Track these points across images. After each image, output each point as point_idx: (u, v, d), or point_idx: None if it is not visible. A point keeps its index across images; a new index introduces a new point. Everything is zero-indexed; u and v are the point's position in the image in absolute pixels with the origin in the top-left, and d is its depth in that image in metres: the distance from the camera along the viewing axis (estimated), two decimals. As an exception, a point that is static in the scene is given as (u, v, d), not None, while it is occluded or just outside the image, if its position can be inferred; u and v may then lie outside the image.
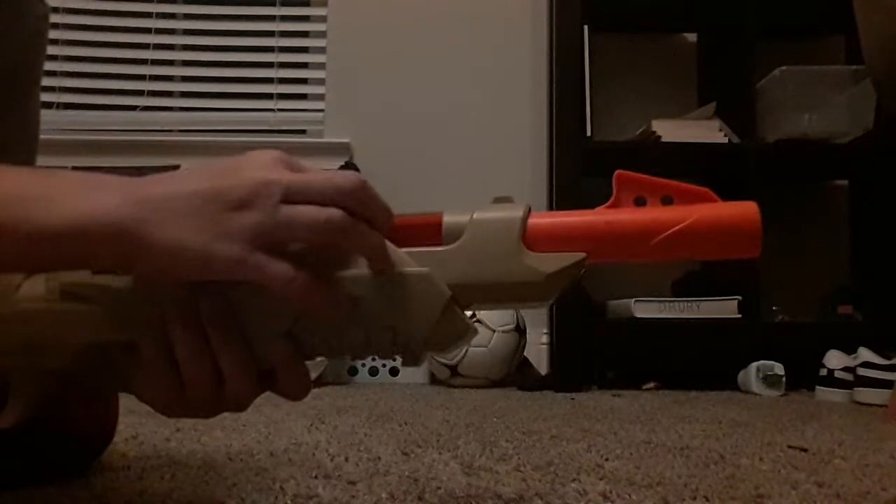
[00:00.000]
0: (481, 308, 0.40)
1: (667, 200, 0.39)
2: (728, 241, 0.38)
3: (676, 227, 0.38)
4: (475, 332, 0.40)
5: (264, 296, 0.38)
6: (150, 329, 0.39)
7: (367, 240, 0.38)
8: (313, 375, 1.95)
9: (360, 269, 0.39)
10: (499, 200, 0.40)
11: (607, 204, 0.40)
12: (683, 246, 0.38)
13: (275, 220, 0.37)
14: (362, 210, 0.38)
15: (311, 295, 0.37)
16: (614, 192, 0.40)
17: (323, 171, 0.39)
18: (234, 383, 0.39)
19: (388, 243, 0.39)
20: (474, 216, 0.39)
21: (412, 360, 0.40)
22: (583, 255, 0.39)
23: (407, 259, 0.39)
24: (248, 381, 0.39)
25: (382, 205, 0.40)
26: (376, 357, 1.98)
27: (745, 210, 0.38)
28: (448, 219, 0.40)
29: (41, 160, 0.70)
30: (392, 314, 0.39)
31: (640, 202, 0.39)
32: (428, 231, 0.41)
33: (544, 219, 0.40)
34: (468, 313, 0.41)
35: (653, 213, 0.38)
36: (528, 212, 0.40)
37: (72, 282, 0.41)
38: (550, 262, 0.38)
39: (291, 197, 0.37)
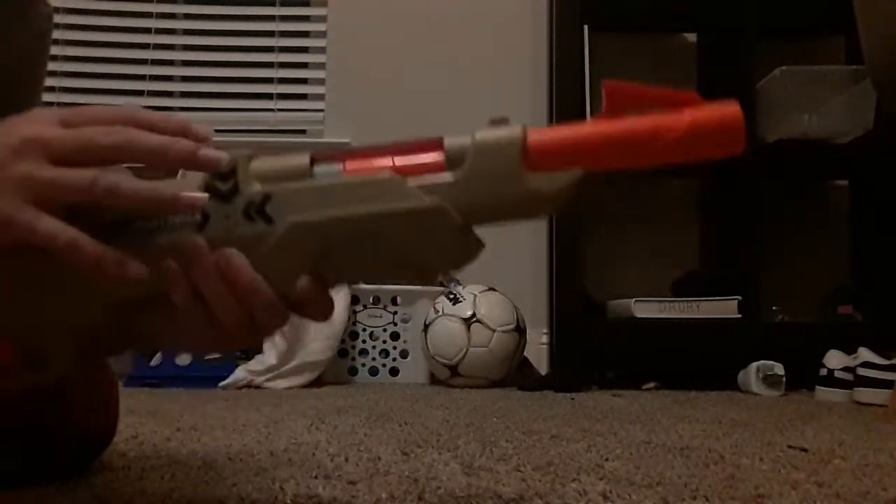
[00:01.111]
0: (487, 225, 0.41)
1: (657, 106, 0.40)
2: (717, 141, 0.40)
3: (673, 133, 0.39)
4: (484, 246, 0.41)
5: (283, 241, 0.40)
6: (177, 280, 0.40)
7: (140, 195, 0.39)
8: (313, 376, 1.94)
9: (376, 206, 0.40)
10: (496, 121, 0.41)
11: (601, 114, 0.41)
12: (679, 149, 0.39)
13: (40, 177, 0.37)
14: (149, 128, 0.40)
15: (80, 254, 0.38)
16: (605, 101, 0.41)
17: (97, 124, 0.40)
18: (267, 323, 0.41)
19: (399, 178, 0.40)
20: (476, 137, 0.40)
21: (430, 280, 0.43)
22: (580, 172, 0.40)
23: (419, 192, 0.40)
24: (280, 319, 0.41)
25: (163, 118, 0.41)
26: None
27: (731, 109, 0.40)
28: (449, 143, 0.41)
29: (41, 160, 0.70)
30: (410, 246, 0.40)
31: (631, 111, 0.40)
32: (430, 155, 0.42)
33: (543, 135, 0.41)
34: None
35: (648, 121, 0.40)
36: (526, 130, 0.40)
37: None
38: (552, 180, 0.39)
39: (57, 154, 0.38)
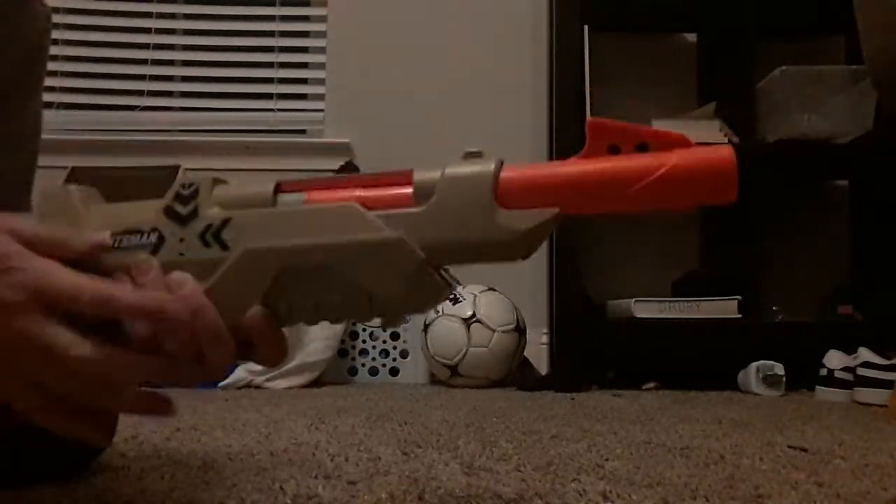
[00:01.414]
0: (454, 265, 0.39)
1: (642, 147, 0.37)
2: (705, 187, 0.37)
3: (654, 175, 0.36)
4: (451, 289, 0.40)
5: (236, 267, 0.38)
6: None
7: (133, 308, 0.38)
8: (313, 376, 1.94)
9: (334, 235, 0.38)
10: (469, 155, 0.39)
11: (580, 154, 0.39)
12: (661, 194, 0.37)
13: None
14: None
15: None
16: (587, 140, 0.38)
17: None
18: (212, 355, 0.39)
19: (360, 207, 0.38)
20: (445, 172, 0.39)
21: (391, 322, 0.40)
22: (556, 210, 0.38)
23: (378, 224, 0.38)
24: (225, 352, 0.39)
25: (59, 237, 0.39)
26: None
27: (722, 153, 0.37)
28: (419, 176, 0.40)
29: (41, 160, 0.70)
30: (367, 279, 0.38)
31: (614, 150, 0.38)
32: (398, 188, 0.40)
33: (516, 172, 0.39)
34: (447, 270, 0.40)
35: (628, 162, 0.37)
36: (500, 166, 0.39)
37: None
38: (524, 218, 0.37)
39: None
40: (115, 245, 0.40)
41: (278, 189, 0.41)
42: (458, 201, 0.38)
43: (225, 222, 0.40)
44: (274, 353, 0.41)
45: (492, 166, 0.38)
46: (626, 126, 0.38)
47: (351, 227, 0.38)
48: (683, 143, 0.37)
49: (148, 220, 0.41)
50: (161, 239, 0.40)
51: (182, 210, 0.40)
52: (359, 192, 0.40)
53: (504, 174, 0.39)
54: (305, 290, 0.39)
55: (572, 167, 0.38)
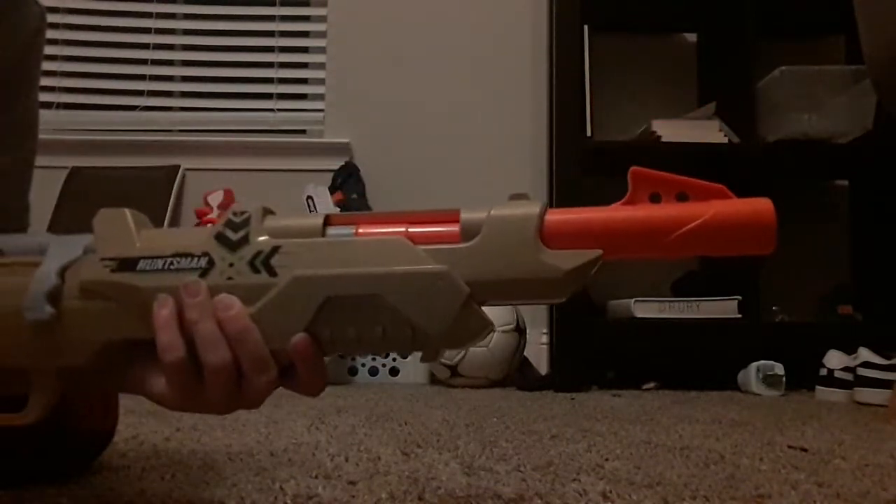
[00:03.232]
0: (499, 304, 0.40)
1: (682, 197, 0.39)
2: (743, 238, 0.38)
3: (693, 224, 0.38)
4: (493, 328, 0.40)
5: (283, 294, 0.39)
6: (166, 323, 0.40)
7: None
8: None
9: (380, 266, 0.39)
10: (515, 197, 0.40)
11: (623, 201, 0.40)
12: (699, 242, 0.38)
13: None
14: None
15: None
16: (630, 188, 0.40)
17: None
18: (254, 379, 0.40)
19: (407, 242, 0.40)
20: (491, 213, 0.40)
21: (430, 357, 0.41)
22: (599, 251, 0.39)
23: (425, 257, 0.39)
24: (267, 377, 0.40)
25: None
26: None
27: (760, 206, 0.38)
28: (465, 215, 0.40)
29: (41, 160, 0.70)
30: (410, 311, 0.39)
31: (655, 199, 0.39)
32: (445, 226, 0.41)
33: (561, 215, 0.40)
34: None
35: (669, 210, 0.39)
36: (545, 209, 0.40)
37: (91, 279, 0.42)
38: (567, 258, 0.38)
39: None
40: (166, 267, 0.41)
41: (328, 222, 0.42)
42: (503, 239, 0.39)
43: (275, 249, 0.41)
44: (314, 382, 0.41)
45: (537, 208, 0.39)
46: (667, 176, 0.39)
47: (398, 258, 0.39)
48: (722, 194, 0.39)
49: (198, 244, 0.42)
50: (211, 263, 0.41)
51: (233, 236, 0.41)
52: (406, 228, 0.41)
53: (549, 216, 0.40)
54: (349, 319, 0.40)
55: (615, 213, 0.40)
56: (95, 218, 0.43)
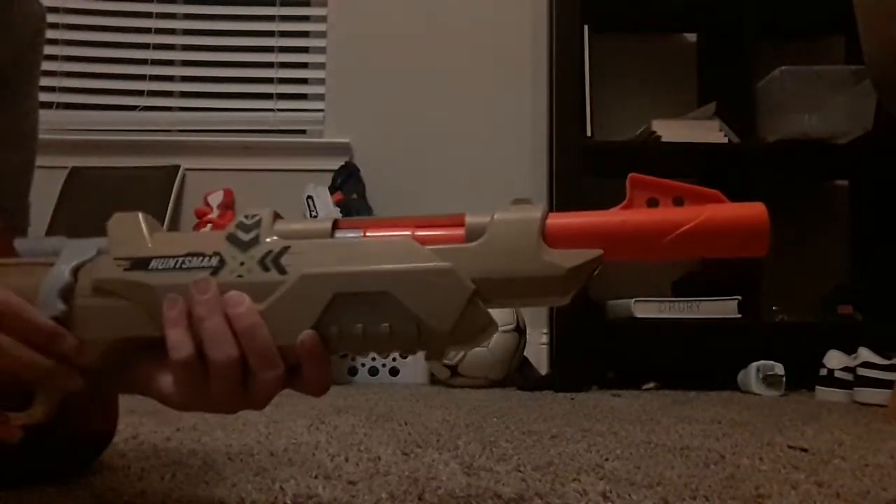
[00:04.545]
0: (503, 305, 0.41)
1: (678, 201, 0.40)
2: (737, 240, 0.39)
3: (688, 226, 0.39)
4: (497, 327, 0.41)
5: (292, 291, 0.40)
6: (176, 321, 0.41)
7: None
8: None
9: (387, 264, 0.40)
10: (518, 202, 0.42)
11: (621, 205, 0.41)
12: (694, 244, 0.39)
13: None
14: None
15: None
16: (628, 193, 0.41)
17: None
18: (261, 375, 0.40)
19: (414, 241, 0.41)
20: (495, 216, 0.41)
21: (436, 355, 0.41)
22: (600, 251, 0.40)
23: (431, 255, 0.40)
24: (274, 374, 0.40)
25: (34, 324, 0.42)
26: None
27: (754, 210, 0.39)
28: (470, 219, 0.42)
29: (41, 160, 0.70)
30: (417, 308, 0.40)
31: (652, 203, 0.41)
32: (451, 229, 0.42)
33: (562, 219, 0.41)
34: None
35: (665, 213, 0.40)
36: (547, 212, 0.41)
37: (104, 278, 0.42)
38: (569, 257, 0.40)
39: None
40: (178, 266, 0.42)
41: (336, 226, 0.43)
42: (507, 239, 0.40)
43: (285, 249, 0.42)
44: (319, 381, 0.41)
45: (539, 211, 0.41)
46: (664, 182, 0.41)
47: (404, 257, 0.40)
48: (717, 198, 0.40)
49: (210, 245, 0.43)
50: (222, 262, 0.42)
51: (244, 236, 0.42)
52: (413, 231, 0.43)
53: (550, 219, 0.41)
54: (356, 316, 0.40)
55: (614, 216, 0.41)
56: (109, 221, 0.44)
